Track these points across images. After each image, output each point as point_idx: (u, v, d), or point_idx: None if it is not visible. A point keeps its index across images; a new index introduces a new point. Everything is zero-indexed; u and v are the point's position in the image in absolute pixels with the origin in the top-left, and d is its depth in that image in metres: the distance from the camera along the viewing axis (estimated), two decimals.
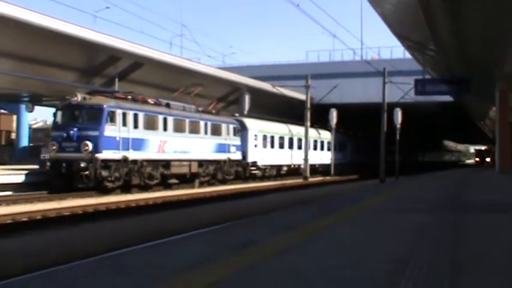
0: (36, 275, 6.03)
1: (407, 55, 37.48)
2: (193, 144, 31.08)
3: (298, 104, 47.31)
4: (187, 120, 30.78)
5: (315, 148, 50.51)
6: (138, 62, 34.30)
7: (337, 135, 52.27)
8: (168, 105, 29.92)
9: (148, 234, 12.59)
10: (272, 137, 42.30)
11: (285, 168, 44.54)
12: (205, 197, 25.39)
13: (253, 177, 39.18)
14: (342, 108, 49.24)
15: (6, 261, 10.10)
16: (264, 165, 40.46)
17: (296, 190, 31.25)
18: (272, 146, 42.19)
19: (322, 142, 52.01)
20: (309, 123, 44.68)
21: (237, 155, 35.80)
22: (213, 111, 35.32)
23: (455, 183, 26.63)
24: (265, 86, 47.90)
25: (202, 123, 32.28)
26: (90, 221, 16.25)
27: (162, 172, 28.69)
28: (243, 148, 37.05)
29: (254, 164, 38.88)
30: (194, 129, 31.40)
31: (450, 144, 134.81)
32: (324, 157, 51.25)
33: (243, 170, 37.15)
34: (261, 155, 39.95)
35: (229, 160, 34.90)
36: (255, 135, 39.54)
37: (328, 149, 52.20)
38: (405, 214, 12.04)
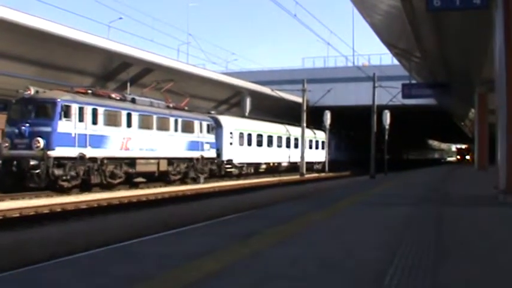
0: None
1: (395, 61, 37.52)
2: (161, 141, 27.85)
3: (295, 106, 47.33)
4: (154, 116, 27.47)
5: (310, 147, 48.94)
6: (148, 68, 34.37)
7: (331, 135, 52.26)
8: (133, 101, 26.69)
9: (158, 225, 12.67)
10: (249, 135, 39.04)
11: (263, 166, 41.44)
12: (208, 192, 25.35)
13: (229, 176, 36.09)
14: (336, 110, 49.28)
15: None
16: (240, 163, 37.33)
17: (293, 186, 31.25)
18: (249, 144, 38.96)
19: (316, 141, 50.97)
20: (305, 124, 44.71)
21: (211, 153, 32.57)
22: (186, 108, 31.69)
23: (439, 179, 26.72)
24: (265, 89, 47.93)
25: (172, 119, 28.88)
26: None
27: (126, 170, 25.43)
28: (218, 146, 34.08)
29: (229, 162, 35.90)
30: (163, 126, 28.05)
31: (434, 143, 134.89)
32: (318, 155, 50.86)
33: (217, 168, 33.94)
34: (237, 153, 36.89)
35: (203, 158, 31.57)
36: (231, 133, 36.39)
37: (322, 148, 51.34)
38: (394, 206, 12.13)
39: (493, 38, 14.39)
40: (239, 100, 46.30)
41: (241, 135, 37.79)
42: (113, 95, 25.69)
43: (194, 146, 30.81)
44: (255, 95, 45.64)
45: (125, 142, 25.18)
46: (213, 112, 37.28)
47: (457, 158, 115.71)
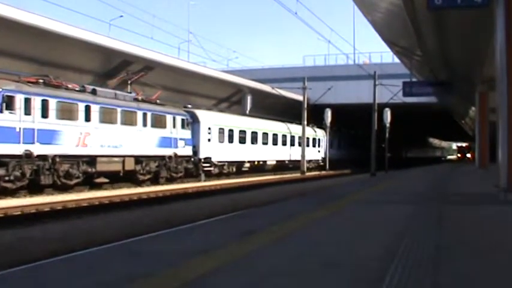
0: None
1: (396, 59, 37.44)
2: (127, 137, 25.12)
3: (296, 104, 47.33)
4: (119, 110, 24.83)
5: (307, 145, 47.41)
6: (149, 66, 34.37)
7: (332, 133, 52.21)
8: (94, 92, 24.11)
9: (159, 223, 12.69)
10: (230, 131, 36.07)
11: (247, 165, 38.47)
12: (209, 190, 25.38)
13: (209, 175, 33.34)
14: (336, 108, 49.26)
15: None
16: (220, 162, 34.51)
17: (294, 184, 31.28)
18: (230, 140, 36.04)
19: (315, 139, 50.49)
20: (305, 122, 44.72)
21: (186, 150, 29.94)
22: (158, 101, 29.07)
23: (439, 177, 26.72)
24: (266, 87, 47.93)
25: (140, 113, 26.15)
26: None
27: (85, 170, 22.93)
28: (195, 142, 31.48)
29: (208, 160, 32.97)
30: (129, 120, 25.34)
31: (435, 141, 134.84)
32: (318, 153, 50.63)
33: (194, 166, 31.27)
34: (216, 151, 33.93)
35: (176, 156, 28.97)
36: (209, 129, 33.38)
37: (319, 145, 50.94)
38: (394, 205, 12.14)
39: (493, 36, 14.38)
40: (240, 98, 46.33)
41: (221, 131, 34.83)
42: (70, 86, 23.31)
43: (166, 142, 28.27)
44: (255, 93, 45.67)
45: (82, 138, 22.65)
46: (189, 106, 34.28)
47: (458, 156, 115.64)
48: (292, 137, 46.34)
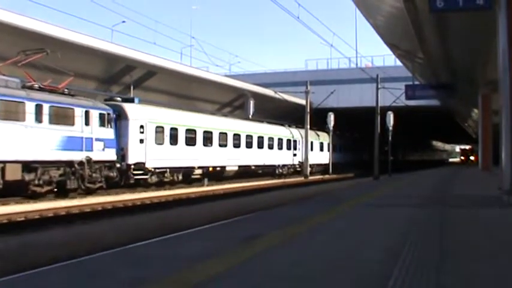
0: None
1: (398, 63, 37.47)
2: (9, 136, 18.95)
3: (298, 108, 47.33)
4: None
5: (295, 148, 44.88)
6: (152, 71, 34.43)
7: (334, 137, 52.15)
8: None
9: (162, 228, 12.68)
10: (174, 130, 29.19)
11: (197, 171, 31.49)
12: (212, 194, 25.38)
13: (146, 185, 26.84)
14: (339, 112, 49.28)
15: None
16: (159, 168, 27.62)
17: (297, 188, 31.25)
18: (173, 142, 29.11)
19: (288, 141, 44.80)
20: (308, 126, 44.72)
21: (106, 154, 23.26)
22: (65, 91, 22.75)
23: (443, 180, 26.67)
24: (268, 92, 47.96)
25: (30, 105, 19.79)
26: None
27: None
28: (123, 144, 25.14)
29: (140, 166, 26.20)
30: (12, 114, 19.23)
31: (438, 144, 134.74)
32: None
33: (119, 174, 24.68)
34: (152, 154, 26.96)
35: (91, 161, 22.36)
36: (142, 127, 26.42)
37: (295, 148, 45.57)
38: (398, 208, 12.13)
39: (496, 38, 14.37)
40: (242, 102, 46.35)
41: (159, 129, 27.92)
42: None
43: (75, 144, 21.85)
44: (258, 97, 45.67)
45: None
46: (118, 99, 27.22)
47: (461, 159, 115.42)
48: (270, 139, 40.95)
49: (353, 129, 61.29)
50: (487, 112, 35.33)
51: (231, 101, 46.73)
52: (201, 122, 32.38)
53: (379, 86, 39.04)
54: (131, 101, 27.61)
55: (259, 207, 16.80)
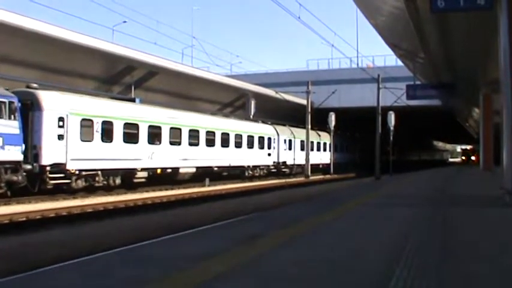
0: None
1: (399, 63, 37.44)
2: None
3: (299, 108, 47.33)
4: None
5: (269, 147, 40.28)
6: (153, 71, 34.43)
7: (336, 137, 52.12)
8: None
9: (164, 228, 12.68)
10: (108, 124, 24.23)
11: (141, 174, 26.41)
12: (214, 194, 25.37)
13: (70, 191, 22.16)
14: (340, 112, 49.28)
15: None
16: (86, 170, 22.69)
17: (299, 188, 31.25)
18: (107, 138, 24.16)
19: (261, 138, 39.39)
20: (309, 126, 44.70)
21: (7, 154, 18.67)
22: None
23: (444, 180, 26.65)
24: (269, 92, 47.95)
25: None
26: None
27: None
28: (35, 141, 20.69)
29: (60, 168, 21.47)
30: None
31: (439, 144, 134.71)
32: (268, 158, 40.91)
33: (27, 179, 19.85)
34: (77, 153, 22.17)
35: None
36: (61, 119, 21.59)
37: (269, 147, 40.54)
38: (399, 208, 12.13)
39: (497, 38, 14.37)
40: (244, 103, 46.35)
41: (86, 123, 23.06)
42: None
43: None
44: (259, 97, 45.66)
45: None
46: (34, 85, 22.08)
47: (462, 159, 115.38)
48: (238, 136, 35.82)
49: (354, 129, 61.28)
50: (488, 112, 35.30)
51: (232, 101, 46.73)
52: (146, 114, 27.06)
53: (380, 86, 39.09)
54: (133, 100, 27.15)
55: (260, 207, 16.81)
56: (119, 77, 33.03)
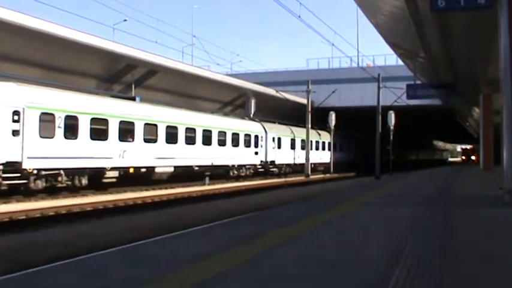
0: None
1: (400, 62, 37.43)
2: None
3: (300, 107, 47.31)
4: None
5: (256, 145, 37.80)
6: (153, 70, 34.42)
7: (336, 136, 52.07)
8: None
9: (164, 227, 12.66)
10: (72, 119, 21.86)
11: (111, 174, 24.05)
12: (213, 193, 25.33)
13: (30, 192, 20.20)
14: (340, 111, 49.27)
15: None
16: (46, 170, 20.59)
17: (299, 187, 31.21)
18: (71, 135, 21.87)
19: (247, 136, 36.71)
20: (309, 125, 44.66)
21: None
22: None
23: (444, 180, 26.64)
24: (269, 91, 47.94)
25: None
26: None
27: None
28: None
29: (15, 167, 19.37)
30: None
31: (439, 143, 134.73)
32: (255, 156, 38.14)
33: None
34: (35, 151, 20.03)
35: None
36: (16, 113, 19.40)
37: (255, 145, 37.92)
38: (400, 207, 12.11)
39: (498, 38, 14.35)
40: (244, 101, 46.36)
41: (47, 118, 20.81)
42: None
43: None
44: (259, 96, 45.67)
45: None
46: None
47: (462, 159, 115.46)
48: (221, 134, 33.25)
49: (354, 129, 61.28)
50: (488, 111, 35.30)
51: (232, 100, 46.73)
52: (116, 109, 24.69)
53: (381, 85, 39.04)
54: (133, 98, 27.04)
55: (260, 206, 16.78)
56: (120, 75, 33.03)
